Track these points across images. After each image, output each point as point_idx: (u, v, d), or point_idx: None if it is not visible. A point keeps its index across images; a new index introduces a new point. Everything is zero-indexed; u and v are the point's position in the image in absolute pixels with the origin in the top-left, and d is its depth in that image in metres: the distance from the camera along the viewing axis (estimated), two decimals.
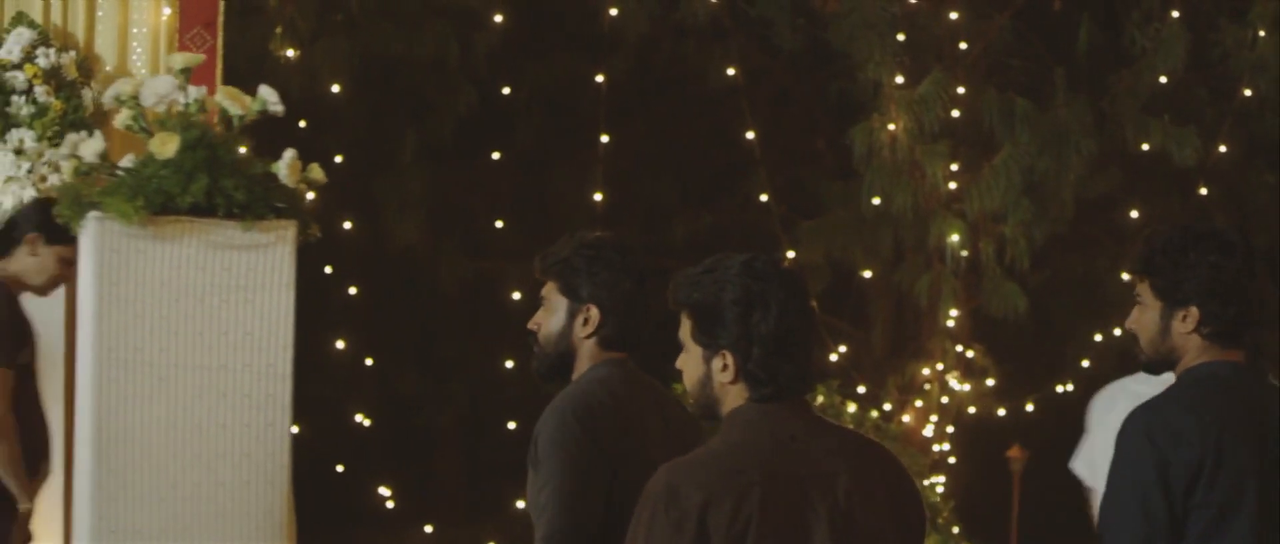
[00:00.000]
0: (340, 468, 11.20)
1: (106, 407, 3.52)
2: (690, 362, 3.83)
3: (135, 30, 7.45)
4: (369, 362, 11.05)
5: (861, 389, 11.65)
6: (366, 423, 11.04)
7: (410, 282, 11.91)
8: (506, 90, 11.39)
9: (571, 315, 4.49)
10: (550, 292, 4.54)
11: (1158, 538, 4.10)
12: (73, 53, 7.20)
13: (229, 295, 3.60)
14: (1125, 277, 4.70)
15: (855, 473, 3.86)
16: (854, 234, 11.20)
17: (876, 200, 10.78)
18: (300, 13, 10.09)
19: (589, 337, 4.49)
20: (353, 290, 10.84)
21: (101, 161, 3.67)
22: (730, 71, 11.09)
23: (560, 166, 12.19)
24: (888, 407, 11.76)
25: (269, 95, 3.79)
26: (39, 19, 7.24)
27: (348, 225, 10.69)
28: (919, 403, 11.81)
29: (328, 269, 10.41)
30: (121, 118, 3.77)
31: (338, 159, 10.73)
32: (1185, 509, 4.12)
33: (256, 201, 3.66)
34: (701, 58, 11.84)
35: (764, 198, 11.19)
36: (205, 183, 3.59)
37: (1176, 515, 4.11)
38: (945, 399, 12.08)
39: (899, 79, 10.81)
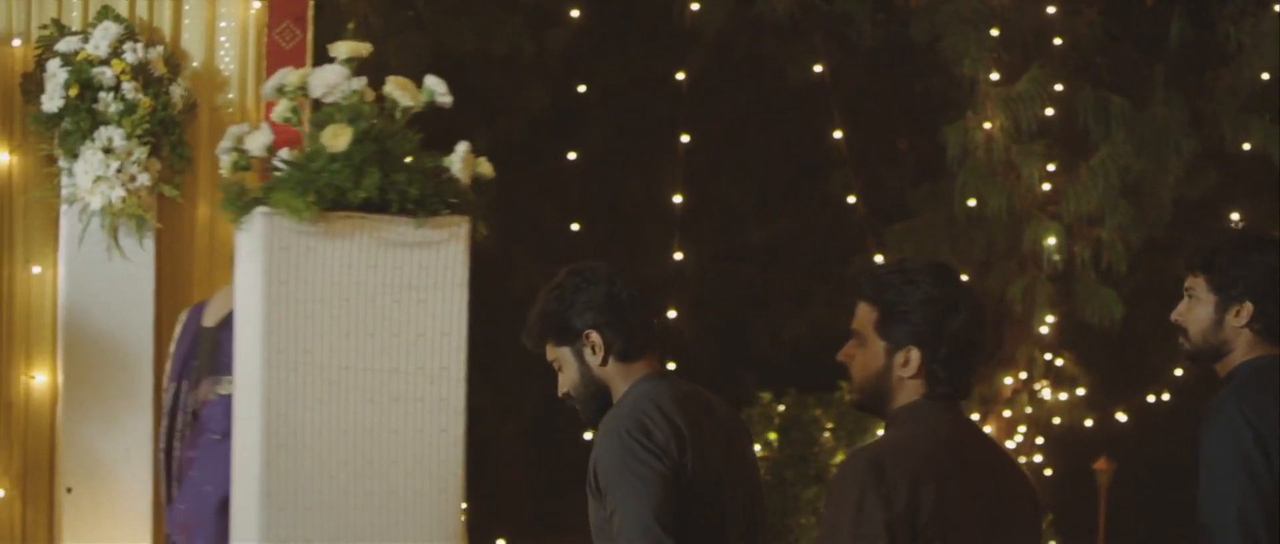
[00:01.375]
0: None
1: (275, 411, 3.47)
2: (868, 354, 4.14)
3: (223, 24, 7.41)
4: None
5: None
6: None
7: (478, 286, 11.86)
8: (582, 89, 11.34)
9: (579, 357, 4.54)
10: (553, 352, 4.57)
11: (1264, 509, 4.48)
12: (160, 48, 7.16)
13: (401, 295, 3.55)
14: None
15: (1010, 476, 4.23)
16: (945, 237, 11.13)
17: (972, 202, 10.71)
18: (374, 9, 10.05)
19: (603, 364, 4.54)
20: None
21: (268, 155, 3.60)
22: (817, 68, 11.03)
23: (633, 167, 12.14)
24: (975, 416, 11.68)
25: (437, 86, 3.74)
26: (124, 13, 7.21)
27: None
28: (1007, 413, 11.73)
29: None
30: (280, 109, 3.72)
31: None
32: None
33: (430, 197, 3.60)
34: (781, 55, 11.78)
35: (851, 199, 11.12)
36: (377, 177, 3.53)
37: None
38: (1029, 409, 12.00)
39: (994, 76, 10.73)
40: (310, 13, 7.60)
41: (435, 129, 11.30)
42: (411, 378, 3.54)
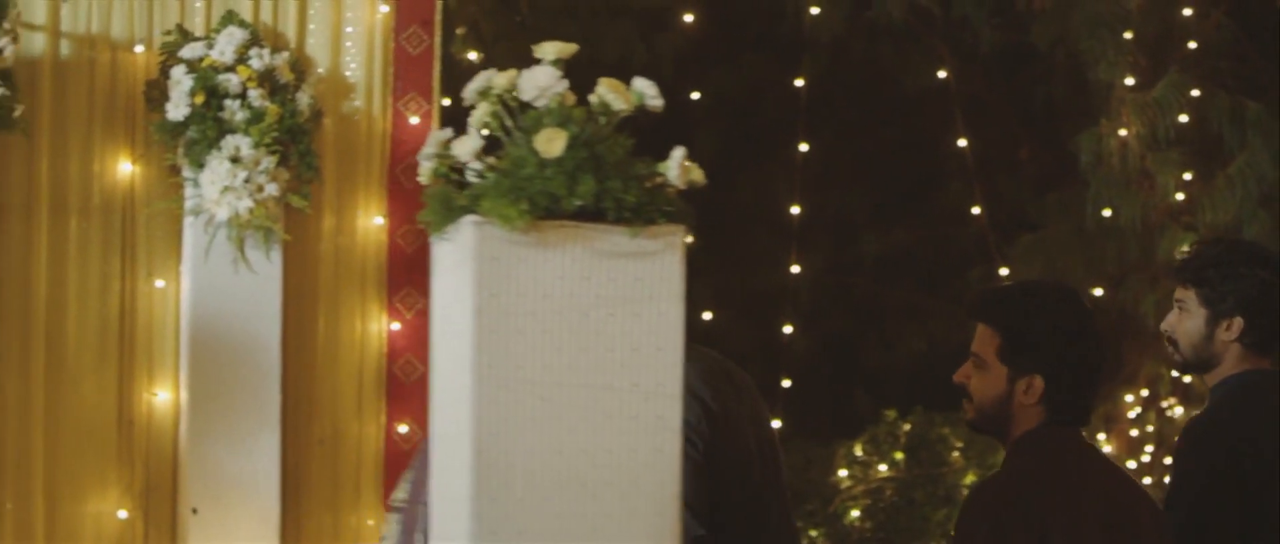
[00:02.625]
0: None
1: (487, 430, 3.40)
2: (989, 379, 4.17)
3: (349, 30, 7.38)
4: None
5: None
6: None
7: None
8: (696, 95, 11.27)
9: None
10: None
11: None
12: (285, 54, 7.12)
13: (615, 308, 3.48)
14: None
15: (1138, 503, 4.30)
16: (1075, 249, 11.01)
17: (1107, 212, 10.59)
18: (483, 13, 10.01)
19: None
20: None
21: (476, 161, 3.54)
22: (941, 74, 10.94)
23: (745, 176, 12.07)
24: (1101, 435, 11.55)
25: (647, 89, 3.66)
26: (248, 18, 7.18)
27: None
28: (1134, 432, 11.59)
29: None
30: (479, 114, 3.65)
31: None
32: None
33: (646, 205, 3.53)
34: (897, 61, 11.69)
35: (975, 210, 11.02)
36: (592, 184, 3.46)
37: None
38: (1151, 427, 11.85)
39: (1129, 80, 10.61)
40: (438, 17, 7.57)
41: None
42: (626, 395, 3.47)
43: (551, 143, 3.47)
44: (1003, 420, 4.21)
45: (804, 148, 10.93)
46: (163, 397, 7.14)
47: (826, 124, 12.09)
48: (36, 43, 7.02)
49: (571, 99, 3.75)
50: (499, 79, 3.65)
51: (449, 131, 3.68)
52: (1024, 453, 4.21)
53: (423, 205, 7.24)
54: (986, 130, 12.47)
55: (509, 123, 3.68)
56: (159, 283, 7.13)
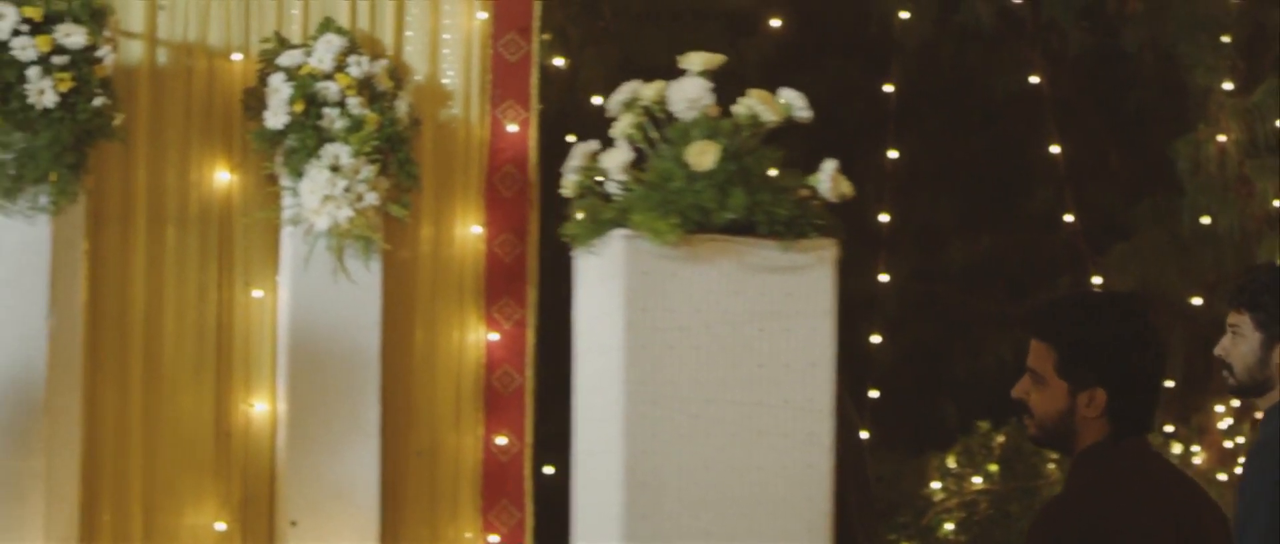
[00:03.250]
0: None
1: (638, 447, 3.41)
2: (1049, 395, 4.12)
3: (447, 36, 7.39)
4: None
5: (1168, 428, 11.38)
6: None
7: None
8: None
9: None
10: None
11: None
12: (384, 61, 7.14)
13: (766, 323, 3.48)
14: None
15: (1206, 510, 4.26)
16: (1171, 257, 10.95)
17: (1205, 220, 10.52)
18: (569, 18, 10.02)
19: None
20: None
21: (623, 174, 3.54)
22: (1034, 79, 10.89)
23: None
24: (1195, 447, 11.48)
25: (795, 100, 3.65)
26: (346, 25, 7.20)
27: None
28: (1227, 444, 11.51)
29: None
30: (624, 125, 3.65)
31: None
32: None
33: (798, 219, 3.53)
34: (986, 66, 11.65)
35: (1068, 218, 10.97)
36: (743, 198, 3.45)
37: None
38: (1243, 438, 11.77)
39: (1227, 85, 10.55)
40: (536, 24, 7.58)
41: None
42: (777, 412, 3.47)
43: (703, 156, 3.47)
44: (1066, 435, 4.19)
45: (893, 154, 10.90)
46: (260, 407, 7.17)
47: (913, 129, 12.06)
48: (134, 51, 7.06)
49: (715, 109, 3.75)
50: (646, 90, 3.65)
51: (595, 144, 3.68)
52: (1089, 467, 4.21)
53: (521, 214, 7.37)
54: (1075, 135, 12.41)
55: (653, 134, 3.68)
56: (256, 293, 7.16)
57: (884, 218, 10.88)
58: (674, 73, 11.35)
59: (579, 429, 3.64)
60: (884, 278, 10.99)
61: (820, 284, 3.52)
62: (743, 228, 3.54)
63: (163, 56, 7.14)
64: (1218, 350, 4.99)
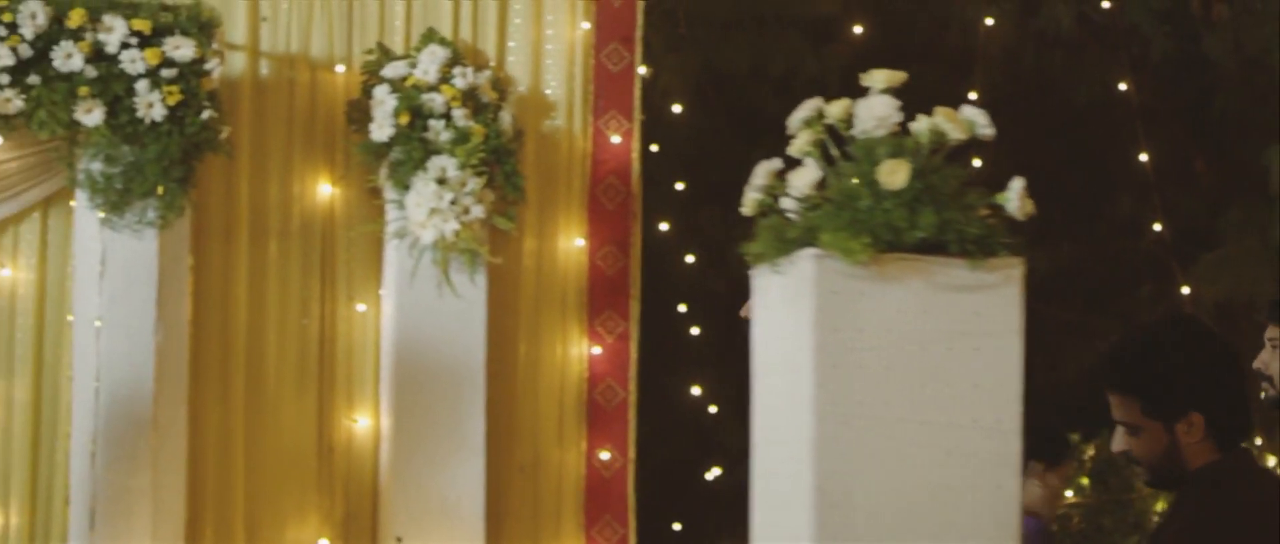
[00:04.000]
0: (677, 526, 11.12)
1: (828, 467, 3.44)
2: (1148, 439, 4.11)
3: (549, 46, 7.44)
4: (712, 409, 10.97)
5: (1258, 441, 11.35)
6: (708, 476, 10.96)
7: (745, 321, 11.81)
8: None
9: None
10: None
11: None
12: (488, 72, 7.18)
13: (954, 342, 3.51)
14: None
15: None
16: (1264, 266, 10.90)
17: None
18: (651, 26, 10.02)
19: None
20: (696, 330, 10.75)
21: (813, 193, 3.58)
22: (1122, 86, 10.88)
23: None
24: None
25: (979, 117, 3.68)
26: (448, 35, 7.24)
27: (691, 259, 10.60)
28: None
29: (681, 308, 10.33)
30: (801, 142, 3.68)
31: (679, 186, 10.68)
32: None
33: (987, 237, 3.56)
34: (1068, 71, 11.63)
35: (1157, 227, 10.96)
36: (933, 217, 3.49)
37: None
38: None
39: None
40: (639, 33, 7.63)
41: (708, 154, 11.28)
42: (966, 431, 3.50)
43: (894, 174, 3.50)
44: (1178, 468, 4.18)
45: (977, 163, 10.89)
46: (362, 422, 7.21)
47: (996, 137, 12.05)
48: (236, 63, 7.11)
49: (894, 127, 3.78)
50: (832, 108, 3.69)
51: (778, 162, 3.72)
52: (1207, 485, 4.20)
53: (623, 226, 7.40)
54: (1157, 143, 12.39)
55: (834, 152, 3.72)
56: (360, 307, 7.20)
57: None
58: (756, 81, 11.40)
59: (760, 449, 3.67)
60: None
61: (1008, 303, 3.54)
62: (930, 246, 3.56)
63: (265, 68, 7.19)
64: (1256, 364, 5.16)
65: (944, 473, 3.52)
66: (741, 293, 11.65)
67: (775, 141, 11.55)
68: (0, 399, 6.92)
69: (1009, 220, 3.77)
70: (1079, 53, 11.75)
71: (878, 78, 3.76)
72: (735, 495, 11.96)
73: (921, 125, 3.76)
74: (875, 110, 3.65)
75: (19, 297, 6.93)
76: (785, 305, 3.58)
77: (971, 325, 3.55)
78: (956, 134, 3.71)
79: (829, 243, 3.49)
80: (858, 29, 11.03)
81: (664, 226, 9.98)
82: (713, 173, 11.19)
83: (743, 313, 4.91)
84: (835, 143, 3.76)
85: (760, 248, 3.57)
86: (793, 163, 3.95)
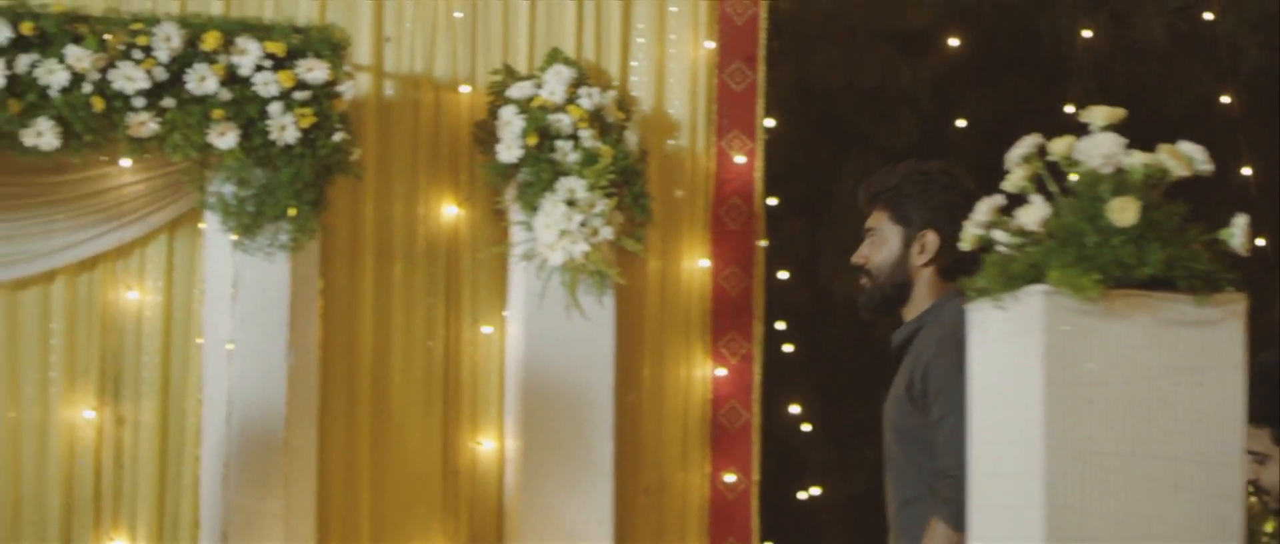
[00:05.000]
0: None
1: (1060, 502, 3.54)
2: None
3: (672, 66, 7.55)
4: (805, 428, 11.07)
5: None
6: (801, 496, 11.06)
7: (845, 337, 11.91)
8: (962, 123, 11.36)
9: (906, 244, 4.97)
10: (880, 221, 5.03)
11: None
12: (613, 92, 7.29)
13: (1180, 377, 3.61)
14: None
15: None
16: None
17: None
18: None
19: (927, 265, 4.91)
20: (788, 348, 10.85)
21: (1040, 230, 3.69)
22: (1224, 99, 10.97)
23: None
24: None
25: (1196, 153, 3.79)
26: (572, 54, 7.36)
27: (784, 275, 10.70)
28: None
29: (780, 325, 10.43)
30: (1016, 178, 3.79)
31: (771, 201, 10.77)
32: None
33: (1213, 273, 3.68)
34: (1160, 82, 11.71)
35: (1260, 241, 11.03)
36: (1161, 253, 3.60)
37: None
38: None
39: None
40: (762, 52, 7.74)
41: (798, 168, 11.37)
42: (1193, 466, 3.60)
43: (1124, 212, 3.61)
44: None
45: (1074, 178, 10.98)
46: (487, 445, 7.33)
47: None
48: (361, 83, 7.23)
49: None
50: (1055, 145, 3.79)
51: (1000, 198, 3.83)
52: None
53: (747, 247, 7.51)
54: (1253, 154, 12.47)
55: (1051, 188, 3.82)
56: (485, 329, 7.32)
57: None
58: (848, 95, 11.48)
59: (981, 482, 3.78)
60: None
61: (1231, 338, 3.65)
62: (1156, 282, 3.68)
63: (389, 89, 7.32)
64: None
65: (1171, 507, 3.62)
66: (826, 307, 11.69)
67: (865, 155, 11.69)
68: (127, 422, 7.04)
69: (1229, 255, 3.88)
70: (1170, 64, 11.82)
71: (1098, 115, 3.87)
72: (828, 514, 12.04)
73: (1136, 161, 3.87)
74: (1101, 148, 3.76)
75: (145, 319, 7.05)
76: (1008, 340, 3.69)
77: (1196, 360, 3.66)
78: (1179, 170, 3.81)
79: (1058, 279, 3.60)
80: (953, 41, 11.13)
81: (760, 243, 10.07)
82: (800, 187, 11.30)
83: (855, 259, 5.06)
84: (1053, 178, 3.86)
85: (984, 283, 3.67)
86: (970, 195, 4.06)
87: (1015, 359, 3.68)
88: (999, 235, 3.86)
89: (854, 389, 12.49)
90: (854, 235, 11.94)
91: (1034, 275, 3.68)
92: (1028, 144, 3.84)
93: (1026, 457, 3.63)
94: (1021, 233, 3.78)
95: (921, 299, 4.97)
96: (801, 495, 11.30)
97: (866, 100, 11.42)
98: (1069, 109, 10.97)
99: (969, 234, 3.83)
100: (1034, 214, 3.69)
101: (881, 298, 5.06)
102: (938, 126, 11.66)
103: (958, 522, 4.41)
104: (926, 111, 11.61)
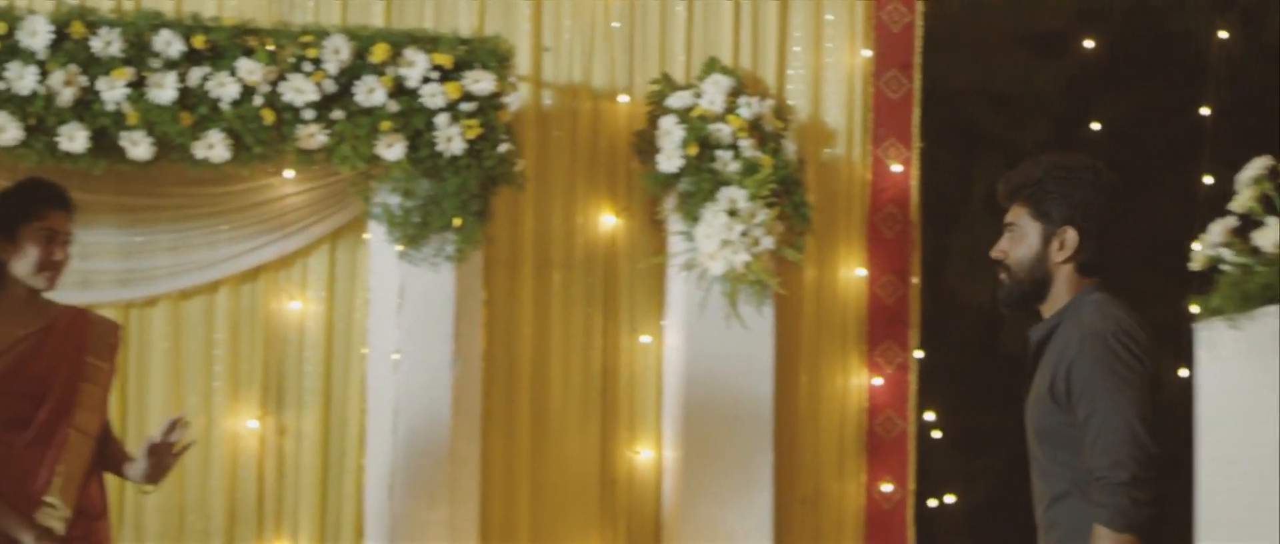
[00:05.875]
0: None
1: None
2: None
3: (829, 74, 7.65)
4: (936, 435, 11.13)
5: None
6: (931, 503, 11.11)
7: (972, 346, 11.97)
8: (1096, 126, 11.41)
9: (1045, 240, 4.86)
10: (1019, 216, 4.91)
11: None
12: (772, 102, 7.39)
13: None
14: None
15: None
16: None
17: None
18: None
19: (1066, 261, 4.82)
20: (918, 354, 10.89)
21: (1275, 250, 3.77)
22: None
23: (1137, 205, 12.13)
24: None
25: None
26: (728, 63, 7.47)
27: (914, 281, 10.73)
28: None
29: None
30: (1245, 198, 3.88)
31: None
32: None
33: None
34: None
35: None
36: None
37: None
38: None
39: None
40: (918, 59, 7.83)
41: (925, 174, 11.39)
42: None
43: None
44: None
45: (1209, 180, 11.01)
46: (645, 454, 7.44)
47: (1221, 153, 12.18)
48: (520, 93, 7.34)
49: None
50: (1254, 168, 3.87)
51: (1232, 220, 3.91)
52: None
53: (902, 256, 7.59)
54: None
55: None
56: (644, 338, 7.44)
57: (1197, 246, 11.01)
58: (982, 99, 11.53)
59: (1212, 499, 3.87)
60: (1195, 309, 11.10)
61: None
62: None
63: (548, 99, 7.44)
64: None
65: None
66: (953, 314, 11.70)
67: (998, 161, 11.72)
68: (289, 431, 7.19)
69: None
70: None
71: None
72: (958, 523, 12.05)
73: None
74: None
75: (307, 329, 7.20)
76: (1243, 359, 3.77)
77: None
78: None
79: None
80: (1088, 43, 11.16)
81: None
82: (930, 193, 11.34)
83: (994, 253, 5.11)
84: None
85: (1218, 303, 3.76)
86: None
87: (1250, 379, 3.76)
88: (1229, 255, 3.95)
89: (978, 397, 12.56)
90: (982, 242, 11.98)
91: (1269, 295, 3.76)
92: (1258, 166, 3.92)
93: (1263, 474, 3.71)
94: (1255, 253, 3.86)
95: (1060, 295, 4.92)
96: (932, 503, 11.36)
97: (999, 104, 11.47)
98: (1204, 111, 11.00)
99: (1200, 256, 3.91)
100: (1270, 235, 3.77)
101: (1020, 294, 4.98)
102: (1070, 129, 11.71)
103: (1117, 522, 4.49)
104: (1059, 114, 11.66)
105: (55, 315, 5.77)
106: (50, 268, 5.70)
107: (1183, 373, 11.46)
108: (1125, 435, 4.51)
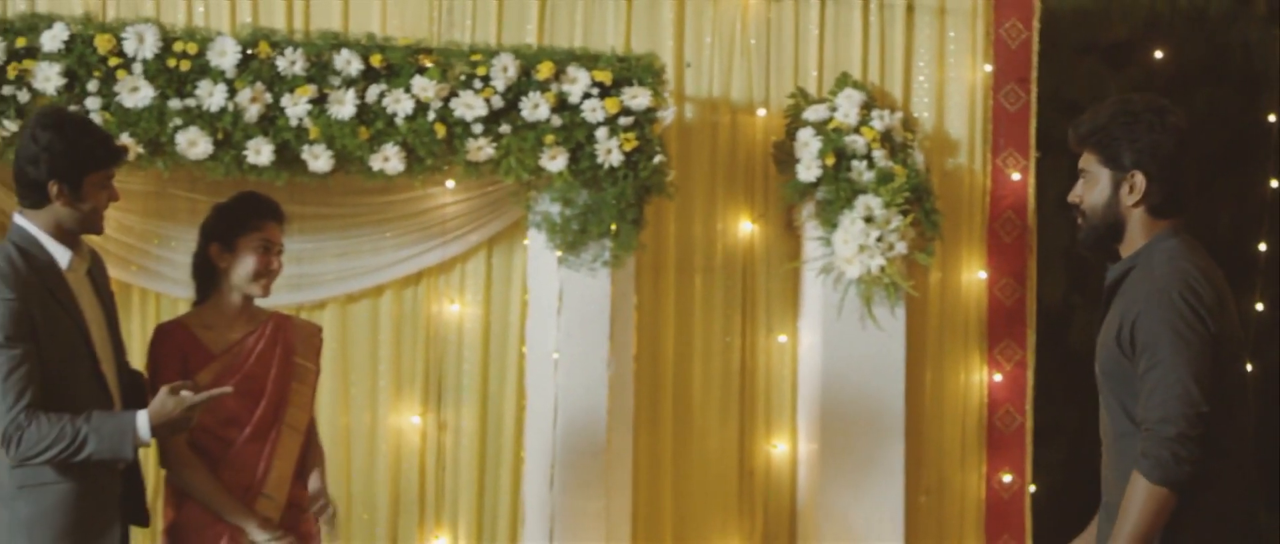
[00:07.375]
0: None
1: None
2: None
3: (952, 88, 8.16)
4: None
5: None
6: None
7: (1048, 344, 12.40)
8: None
9: (1116, 185, 5.07)
10: (1090, 162, 5.10)
11: None
12: (900, 114, 7.91)
13: None
14: None
15: None
16: None
17: None
18: None
19: (1136, 205, 5.03)
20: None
21: None
22: None
23: (1202, 213, 12.58)
24: None
25: None
26: (858, 78, 7.99)
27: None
28: None
29: None
30: None
31: None
32: None
33: None
34: None
35: None
36: None
37: None
38: None
39: None
40: (1035, 73, 8.35)
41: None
42: None
43: None
44: None
45: (1275, 184, 11.47)
46: (780, 448, 7.96)
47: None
48: (672, 108, 7.83)
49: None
50: None
51: None
52: None
53: (1020, 259, 8.12)
54: None
55: None
56: (780, 338, 7.96)
57: (1262, 247, 11.47)
58: (1053, 106, 11.97)
59: None
60: (1259, 307, 11.59)
61: None
62: None
63: (690, 112, 7.95)
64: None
65: None
66: (1042, 315, 12.04)
67: (1071, 167, 12.02)
68: (449, 427, 7.69)
69: None
70: None
71: None
72: (1039, 510, 12.39)
73: None
74: None
75: (466, 330, 7.70)
76: None
77: None
78: None
79: None
80: (1158, 53, 11.63)
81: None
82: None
83: (1071, 198, 5.24)
84: None
85: None
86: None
87: None
88: None
89: (1046, 392, 13.02)
90: (1053, 243, 12.39)
91: None
92: None
93: None
94: None
95: (1135, 238, 5.09)
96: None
97: (1073, 112, 11.91)
98: (1271, 119, 11.45)
99: None
100: None
101: (1096, 238, 5.15)
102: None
103: (1155, 474, 4.80)
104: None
105: (263, 320, 6.29)
106: (266, 275, 6.22)
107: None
108: (1178, 393, 4.79)
